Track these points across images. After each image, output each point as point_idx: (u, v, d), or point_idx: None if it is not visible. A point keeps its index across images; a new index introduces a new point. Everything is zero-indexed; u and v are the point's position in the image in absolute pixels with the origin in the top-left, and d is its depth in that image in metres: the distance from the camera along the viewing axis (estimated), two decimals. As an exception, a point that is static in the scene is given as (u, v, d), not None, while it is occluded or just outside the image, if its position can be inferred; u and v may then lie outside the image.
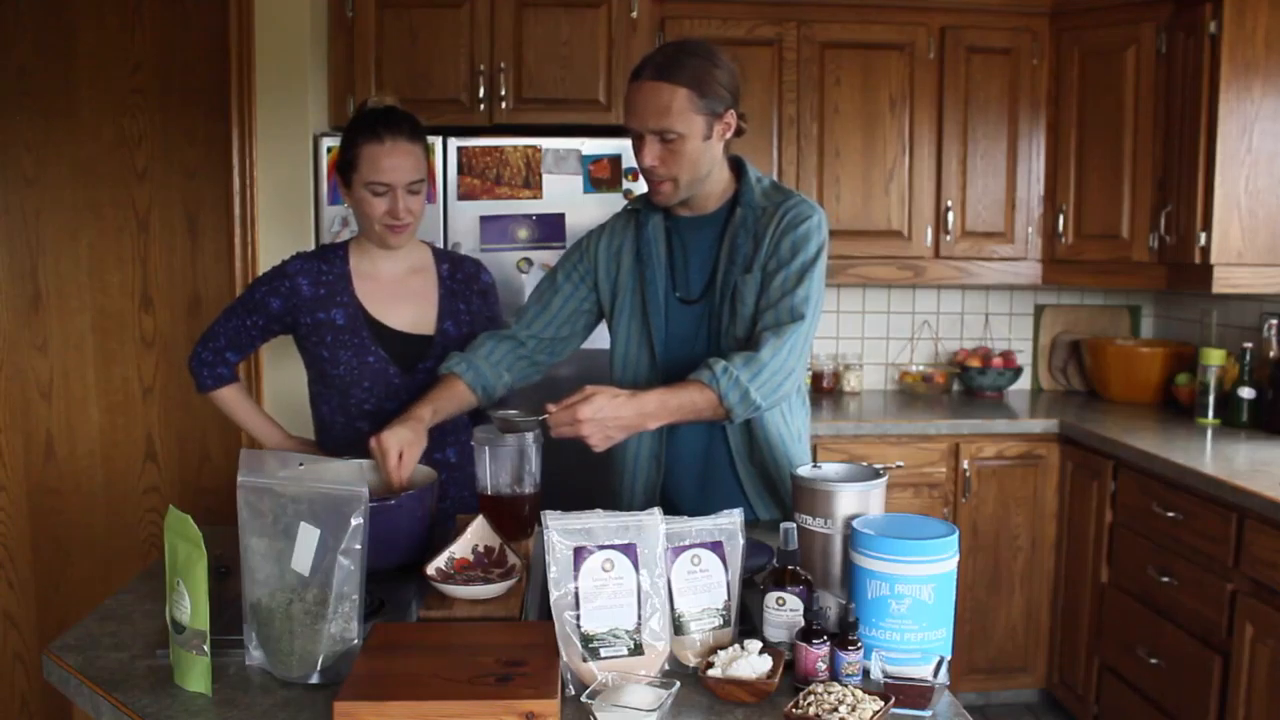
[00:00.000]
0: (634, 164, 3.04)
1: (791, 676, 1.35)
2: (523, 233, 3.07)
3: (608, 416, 1.68)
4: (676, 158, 1.83)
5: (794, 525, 1.46)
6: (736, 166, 1.97)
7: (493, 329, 2.24)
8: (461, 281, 2.21)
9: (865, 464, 1.61)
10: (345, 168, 2.06)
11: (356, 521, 1.30)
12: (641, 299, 1.98)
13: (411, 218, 2.06)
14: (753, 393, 1.75)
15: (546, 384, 2.21)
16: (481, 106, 3.19)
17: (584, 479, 2.13)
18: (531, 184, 3.07)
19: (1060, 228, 3.60)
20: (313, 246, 2.84)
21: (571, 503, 1.47)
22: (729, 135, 1.89)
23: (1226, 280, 3.14)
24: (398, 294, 2.15)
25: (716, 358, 1.78)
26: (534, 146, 3.06)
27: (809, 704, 1.24)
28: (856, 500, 1.49)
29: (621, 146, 3.08)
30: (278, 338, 2.21)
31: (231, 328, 2.16)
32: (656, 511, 1.41)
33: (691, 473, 2.00)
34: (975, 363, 3.83)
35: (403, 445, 1.74)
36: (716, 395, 1.75)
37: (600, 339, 2.12)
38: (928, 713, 1.28)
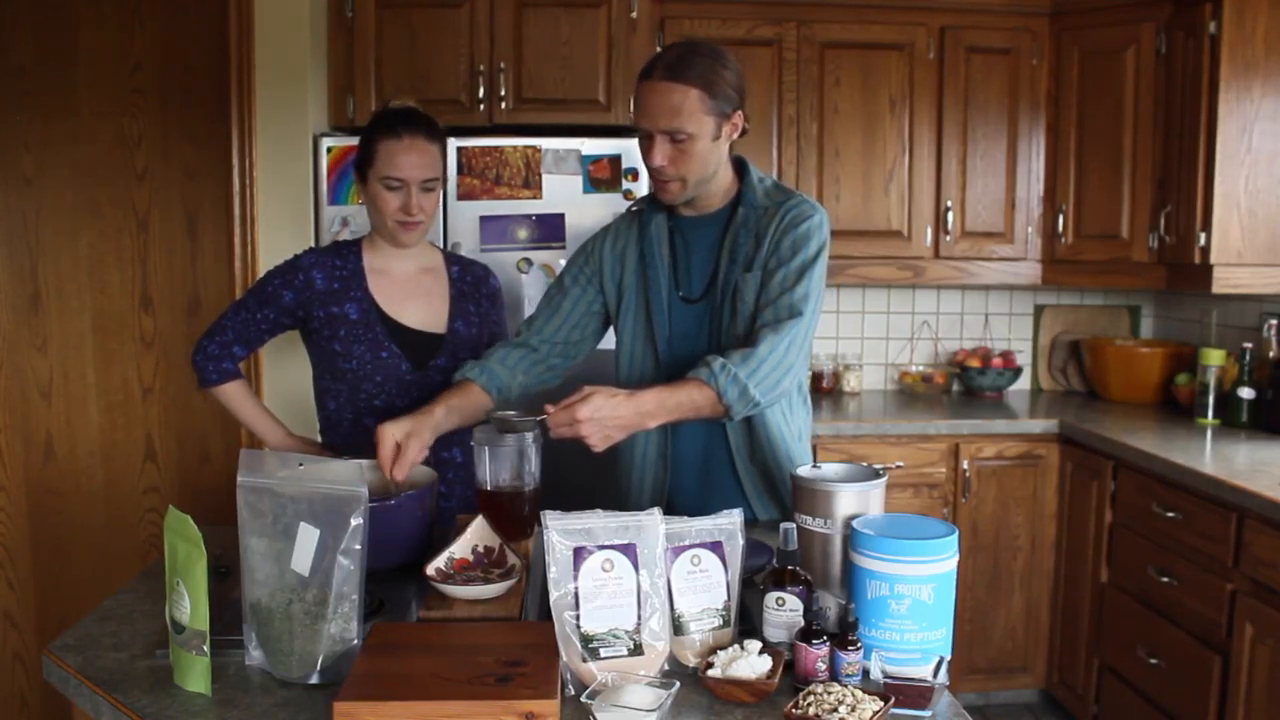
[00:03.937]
0: (634, 164, 3.08)
1: (791, 676, 1.35)
2: (522, 233, 3.07)
3: (606, 416, 1.68)
4: (686, 158, 1.84)
5: (794, 525, 1.46)
6: (739, 166, 1.98)
7: (499, 332, 2.25)
8: (471, 284, 2.23)
9: (865, 464, 1.61)
10: (362, 163, 2.08)
11: (356, 521, 1.30)
12: (645, 298, 1.99)
13: (424, 215, 2.07)
14: (751, 389, 1.76)
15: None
16: (481, 107, 3.19)
17: (585, 478, 2.13)
18: (531, 184, 3.07)
19: (1060, 228, 3.59)
20: (312, 246, 2.84)
21: (572, 502, 1.47)
22: (735, 135, 1.90)
23: (1226, 280, 3.14)
24: (410, 292, 2.16)
25: (714, 355, 1.78)
26: (534, 147, 3.06)
27: (809, 704, 1.24)
28: (856, 500, 1.49)
29: (621, 147, 3.08)
30: (279, 336, 2.21)
31: (240, 321, 2.16)
32: (656, 512, 1.41)
33: (693, 471, 2.01)
34: (975, 363, 3.83)
35: (401, 436, 1.72)
36: (715, 392, 1.75)
37: (606, 339, 2.12)
38: (927, 713, 1.28)
